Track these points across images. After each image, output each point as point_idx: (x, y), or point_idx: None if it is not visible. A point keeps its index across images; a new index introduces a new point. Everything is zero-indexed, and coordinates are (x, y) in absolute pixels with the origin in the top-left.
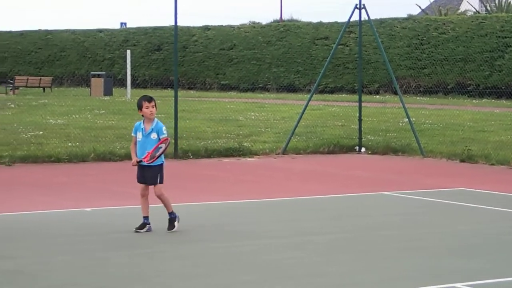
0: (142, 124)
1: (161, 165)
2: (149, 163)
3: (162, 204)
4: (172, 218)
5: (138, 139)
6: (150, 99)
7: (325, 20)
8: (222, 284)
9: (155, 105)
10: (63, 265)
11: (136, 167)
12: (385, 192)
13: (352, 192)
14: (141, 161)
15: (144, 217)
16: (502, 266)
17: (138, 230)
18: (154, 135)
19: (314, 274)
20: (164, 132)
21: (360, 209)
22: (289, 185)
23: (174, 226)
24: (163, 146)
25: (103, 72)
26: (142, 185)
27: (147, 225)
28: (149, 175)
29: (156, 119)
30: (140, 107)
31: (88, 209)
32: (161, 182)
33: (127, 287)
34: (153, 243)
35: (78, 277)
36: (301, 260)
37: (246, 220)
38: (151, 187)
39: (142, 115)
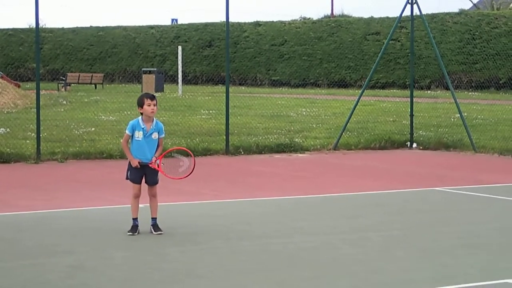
0: (141, 123)
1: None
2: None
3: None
4: (155, 223)
5: (137, 138)
6: (152, 97)
7: (376, 16)
8: (280, 280)
9: (156, 104)
10: (123, 261)
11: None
12: (439, 188)
13: (406, 188)
14: (144, 163)
15: (134, 218)
16: None
17: (133, 233)
18: (155, 135)
19: (371, 270)
20: (163, 131)
21: (415, 205)
22: (343, 181)
23: (160, 229)
24: (180, 157)
25: (155, 69)
26: (138, 186)
27: (137, 227)
28: (152, 175)
29: (154, 118)
30: (141, 104)
31: (141, 205)
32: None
33: (185, 283)
34: (210, 239)
35: (136, 272)
36: (359, 257)
37: (302, 217)
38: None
39: (141, 113)
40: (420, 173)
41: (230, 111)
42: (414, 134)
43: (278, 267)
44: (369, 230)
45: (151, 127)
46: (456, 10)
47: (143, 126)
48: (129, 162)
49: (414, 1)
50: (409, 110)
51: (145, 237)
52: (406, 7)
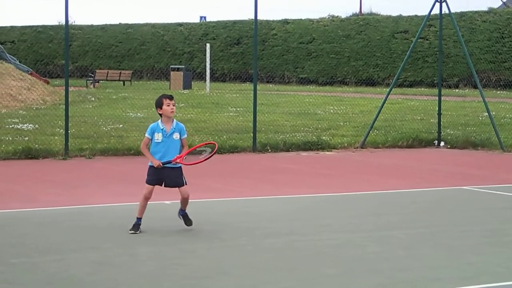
0: (161, 124)
1: (181, 166)
2: (176, 163)
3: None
4: (185, 214)
5: (157, 140)
6: (171, 97)
7: (404, 14)
8: (306, 278)
9: (175, 104)
10: (148, 257)
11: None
12: (467, 187)
13: (434, 187)
14: (166, 163)
15: (138, 218)
16: None
17: (135, 232)
18: (176, 135)
19: (397, 268)
20: (185, 131)
21: (443, 203)
22: (370, 179)
23: (191, 221)
24: (208, 150)
25: (183, 66)
26: (151, 188)
27: (140, 226)
28: (172, 178)
29: (174, 119)
30: (160, 105)
31: (168, 202)
32: (186, 183)
33: (210, 279)
34: (236, 236)
35: (163, 269)
36: (384, 254)
37: (328, 214)
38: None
39: (160, 114)
40: (447, 172)
41: (257, 108)
42: (442, 133)
43: (303, 264)
44: (395, 228)
45: (171, 127)
46: (485, 9)
47: (162, 127)
48: (149, 166)
49: (443, 0)
50: (437, 108)
51: (171, 234)
52: (435, 5)
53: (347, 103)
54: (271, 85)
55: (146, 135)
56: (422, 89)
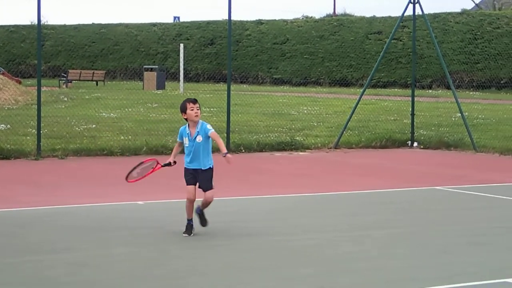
0: (187, 128)
1: (212, 168)
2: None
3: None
4: (203, 213)
5: (185, 145)
6: (194, 101)
7: (378, 15)
8: (282, 277)
9: (199, 107)
10: (124, 258)
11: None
12: (441, 187)
13: (408, 187)
14: (168, 164)
15: (188, 219)
16: None
17: (188, 234)
18: (199, 138)
19: (373, 268)
20: (209, 127)
21: (417, 203)
22: (345, 179)
23: (207, 221)
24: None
25: (156, 66)
26: (191, 187)
27: (192, 226)
28: (206, 180)
29: (200, 120)
30: (184, 110)
31: (141, 202)
32: (213, 187)
33: (186, 280)
34: (212, 236)
35: (139, 269)
36: (360, 254)
37: (305, 214)
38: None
39: (186, 119)
40: (421, 172)
41: (231, 109)
42: (415, 133)
43: (280, 264)
44: (371, 228)
45: (196, 131)
46: (458, 10)
47: (188, 132)
48: (184, 168)
49: (416, 1)
50: (410, 109)
51: (146, 234)
52: (408, 6)
53: (321, 103)
54: (245, 86)
55: (178, 139)
56: (396, 89)
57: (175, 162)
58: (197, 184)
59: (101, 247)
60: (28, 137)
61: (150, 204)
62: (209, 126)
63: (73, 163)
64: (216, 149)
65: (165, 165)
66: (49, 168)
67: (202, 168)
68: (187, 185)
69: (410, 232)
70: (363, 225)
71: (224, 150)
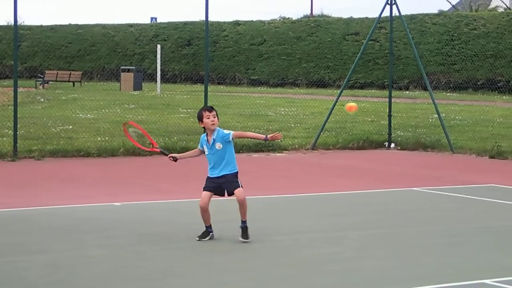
0: (205, 136)
1: (237, 173)
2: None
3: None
4: (245, 227)
5: (206, 154)
6: (210, 109)
7: (355, 16)
8: (259, 279)
9: (217, 115)
10: (100, 259)
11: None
12: (417, 188)
13: (386, 188)
14: (174, 159)
15: (207, 226)
16: None
17: (200, 239)
18: (219, 145)
19: (350, 269)
20: (227, 132)
21: (394, 204)
22: (321, 180)
23: (248, 236)
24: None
25: (133, 67)
26: (206, 194)
27: (211, 233)
28: (231, 181)
29: (217, 127)
30: (200, 119)
31: (118, 204)
32: (241, 186)
33: (162, 281)
34: (189, 238)
35: (114, 271)
36: (337, 255)
37: (281, 215)
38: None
39: (204, 127)
40: (398, 173)
41: None
42: (392, 134)
43: (257, 265)
44: (348, 229)
45: (212, 138)
46: (435, 11)
47: (206, 139)
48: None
49: (393, 2)
50: (388, 110)
51: (122, 235)
52: (386, 7)
53: (298, 104)
54: (222, 87)
55: (198, 146)
56: (373, 91)
57: (175, 160)
58: (223, 192)
59: (77, 249)
60: (5, 138)
61: (127, 205)
62: (226, 131)
63: (49, 164)
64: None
65: (162, 152)
66: (25, 169)
67: (225, 173)
68: (203, 190)
69: (387, 233)
70: (340, 226)
71: (262, 136)
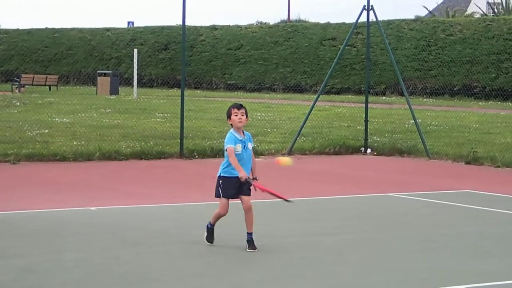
0: (237, 135)
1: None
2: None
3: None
4: (251, 239)
5: (237, 152)
6: (239, 106)
7: (332, 21)
8: (234, 284)
9: (246, 113)
10: (75, 264)
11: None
12: (393, 194)
13: (360, 193)
14: (252, 179)
15: (213, 224)
16: (509, 268)
17: (209, 240)
18: (250, 145)
19: (325, 274)
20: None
21: (369, 210)
22: (297, 185)
23: (255, 247)
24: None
25: (110, 71)
26: (227, 202)
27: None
28: (247, 188)
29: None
30: (229, 115)
31: (93, 208)
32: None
33: (138, 286)
34: (164, 242)
35: (88, 275)
36: (312, 260)
37: (258, 220)
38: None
39: (231, 124)
40: (374, 179)
41: (185, 114)
42: (369, 140)
43: (232, 270)
44: (323, 234)
45: (244, 137)
46: (412, 17)
47: (240, 138)
48: (221, 180)
49: (370, 7)
50: (364, 115)
51: (97, 240)
52: (363, 13)
53: (274, 109)
54: (198, 91)
55: (231, 145)
56: (350, 96)
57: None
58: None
59: (52, 253)
60: None
61: (102, 210)
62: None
63: (25, 168)
64: None
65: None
66: (1, 174)
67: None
68: (222, 197)
69: (362, 238)
70: (315, 231)
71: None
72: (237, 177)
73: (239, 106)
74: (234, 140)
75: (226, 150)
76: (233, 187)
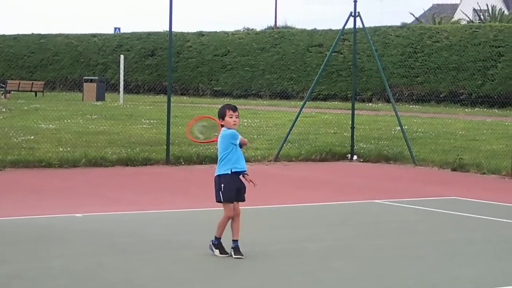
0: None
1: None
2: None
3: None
4: (237, 246)
5: (236, 145)
6: (234, 108)
7: (319, 28)
8: None
9: (238, 115)
10: (61, 270)
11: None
12: (378, 200)
13: (346, 200)
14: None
15: (218, 238)
16: (495, 274)
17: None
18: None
19: (309, 281)
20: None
21: (354, 217)
22: (283, 192)
23: (242, 254)
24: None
25: (96, 77)
26: (232, 205)
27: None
28: (244, 191)
29: None
30: (222, 116)
31: (79, 215)
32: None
33: None
34: (151, 249)
35: (76, 282)
36: (297, 267)
37: (244, 227)
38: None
39: (222, 125)
40: (360, 185)
41: (171, 120)
42: (355, 146)
43: (218, 277)
44: (308, 240)
45: None
46: (399, 24)
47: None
48: (221, 180)
49: (357, 14)
50: (351, 122)
51: (83, 247)
52: (349, 19)
53: (261, 116)
54: (185, 97)
55: (239, 138)
56: (336, 102)
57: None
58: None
59: (37, 260)
60: None
61: (88, 217)
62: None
63: (10, 175)
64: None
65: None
66: None
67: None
68: (225, 201)
69: (347, 245)
70: (300, 238)
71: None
72: (238, 173)
73: (234, 108)
74: (235, 137)
75: (236, 140)
76: (234, 185)
